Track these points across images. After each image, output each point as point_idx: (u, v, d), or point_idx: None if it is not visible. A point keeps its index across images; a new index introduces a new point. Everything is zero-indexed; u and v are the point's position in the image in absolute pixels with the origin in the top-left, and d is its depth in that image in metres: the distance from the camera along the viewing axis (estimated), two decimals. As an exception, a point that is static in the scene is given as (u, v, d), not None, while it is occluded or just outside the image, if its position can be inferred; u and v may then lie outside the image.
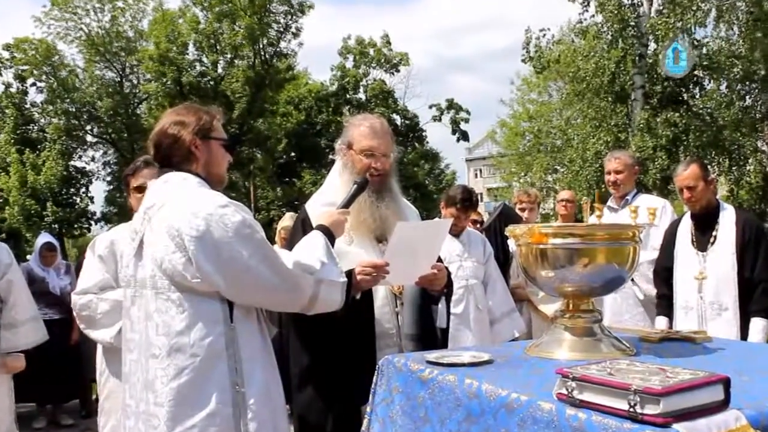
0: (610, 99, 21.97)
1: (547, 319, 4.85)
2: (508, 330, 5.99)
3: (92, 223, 39.59)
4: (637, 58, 20.46)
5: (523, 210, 6.96)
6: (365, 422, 2.73)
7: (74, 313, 4.31)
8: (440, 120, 48.90)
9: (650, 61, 20.10)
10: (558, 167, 30.75)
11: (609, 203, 6.09)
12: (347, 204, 3.25)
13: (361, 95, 46.48)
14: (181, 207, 2.64)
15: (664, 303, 5.27)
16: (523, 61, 24.01)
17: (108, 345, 4.18)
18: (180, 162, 2.84)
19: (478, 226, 7.74)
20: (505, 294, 6.13)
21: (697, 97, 22.27)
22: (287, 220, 7.62)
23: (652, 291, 5.64)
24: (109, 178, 40.66)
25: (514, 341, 5.64)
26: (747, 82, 22.17)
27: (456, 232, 5.87)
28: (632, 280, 5.53)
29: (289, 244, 3.32)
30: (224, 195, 2.75)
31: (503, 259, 6.56)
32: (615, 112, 21.85)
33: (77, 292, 4.26)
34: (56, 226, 35.93)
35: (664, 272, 5.28)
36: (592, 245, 2.66)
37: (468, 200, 5.87)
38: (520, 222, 6.54)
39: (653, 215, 2.99)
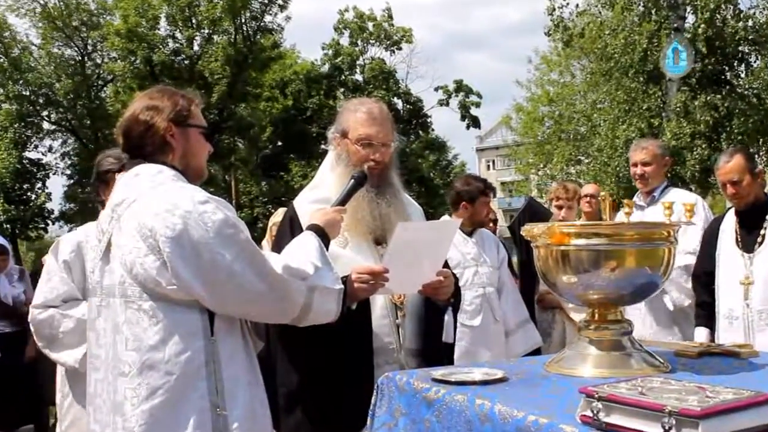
0: (641, 79, 21.96)
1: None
2: (523, 343, 6.01)
3: (49, 222, 39.56)
4: (672, 32, 20.44)
5: (560, 207, 6.88)
6: (364, 448, 2.75)
7: (32, 329, 4.22)
8: (447, 104, 48.92)
9: (688, 35, 20.07)
10: (582, 157, 30.71)
11: (635, 199, 6.08)
12: (343, 201, 3.26)
13: (358, 76, 46.50)
14: (155, 203, 2.64)
15: (704, 312, 5.25)
16: (546, 33, 23.97)
17: (71, 368, 4.14)
18: (153, 152, 2.84)
19: (491, 225, 7.75)
20: (518, 302, 6.16)
21: (743, 76, 22.25)
22: (280, 215, 7.57)
23: (684, 301, 5.63)
24: (68, 172, 40.62)
25: (534, 355, 5.64)
26: (801, 59, 22.12)
27: (470, 229, 5.89)
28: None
29: (277, 246, 3.33)
30: (203, 190, 2.76)
31: (531, 261, 6.57)
32: (647, 94, 21.83)
33: (37, 305, 4.16)
34: (8, 226, 35.90)
35: (704, 277, 5.27)
36: (620, 246, 2.67)
37: (486, 186, 5.96)
38: (549, 219, 6.54)
39: (690, 212, 2.98)
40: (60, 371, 4.38)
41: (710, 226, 5.39)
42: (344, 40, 46.43)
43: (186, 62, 38.80)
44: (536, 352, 5.99)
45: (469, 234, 5.91)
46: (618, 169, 22.22)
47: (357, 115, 3.47)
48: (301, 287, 2.76)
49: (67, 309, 4.11)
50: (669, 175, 6.25)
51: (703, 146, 20.04)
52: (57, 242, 4.39)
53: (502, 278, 6.04)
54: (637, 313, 5.66)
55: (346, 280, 3.04)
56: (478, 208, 5.92)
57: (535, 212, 6.92)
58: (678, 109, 20.29)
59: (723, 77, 21.48)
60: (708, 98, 20.24)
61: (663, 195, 5.86)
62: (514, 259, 7.44)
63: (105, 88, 41.06)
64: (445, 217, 6.20)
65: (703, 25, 19.73)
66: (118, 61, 37.98)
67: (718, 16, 20.19)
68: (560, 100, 35.07)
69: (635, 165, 6.04)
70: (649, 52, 21.16)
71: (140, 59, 36.73)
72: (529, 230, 2.89)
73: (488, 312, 5.78)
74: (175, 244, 2.58)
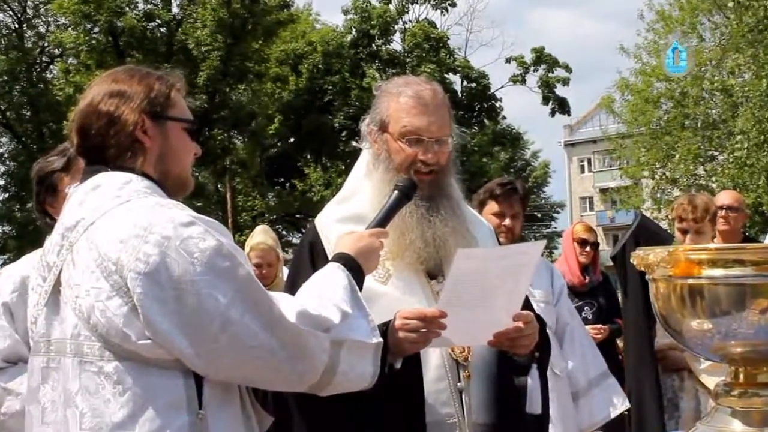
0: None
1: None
2: (602, 408, 6.01)
3: (-23, 253, 40.03)
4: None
5: (684, 232, 6.79)
6: None
7: None
8: (524, 82, 48.98)
9: None
10: (715, 152, 30.48)
11: None
12: (384, 220, 3.27)
13: (396, 45, 46.70)
14: (121, 227, 2.65)
15: None
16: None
17: None
18: (119, 156, 2.86)
19: (588, 249, 7.72)
20: (590, 350, 6.19)
21: None
22: (260, 234, 7.46)
23: None
24: (2, 182, 41.16)
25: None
26: None
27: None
28: None
29: (291, 284, 3.33)
30: (187, 207, 2.77)
31: (647, 303, 6.52)
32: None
33: None
34: (-77, 257, 36.44)
35: None
36: (773, 279, 2.64)
37: (509, 186, 5.92)
38: (669, 243, 6.47)
39: None
40: None
41: None
42: (375, -3, 46.63)
43: (163, 30, 39.22)
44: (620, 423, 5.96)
45: None
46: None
47: (401, 101, 3.49)
48: (323, 342, 2.74)
49: (11, 380, 4.16)
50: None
51: None
52: None
53: (563, 317, 6.05)
54: None
55: (387, 328, 3.04)
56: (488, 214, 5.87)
57: (648, 234, 6.82)
58: None
59: None
60: None
61: None
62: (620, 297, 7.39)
63: (51, 67, 41.59)
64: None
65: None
66: (69, 29, 38.44)
67: None
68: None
69: None
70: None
71: (99, 27, 37.14)
72: (642, 257, 2.86)
73: None
74: (150, 282, 2.58)
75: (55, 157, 4.32)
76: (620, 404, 6.08)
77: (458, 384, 3.39)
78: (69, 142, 3.06)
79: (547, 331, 5.63)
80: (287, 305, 2.74)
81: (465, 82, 47.69)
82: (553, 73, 48.49)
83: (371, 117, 3.57)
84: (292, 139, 45.49)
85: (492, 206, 5.83)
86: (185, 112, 2.99)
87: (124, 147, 2.85)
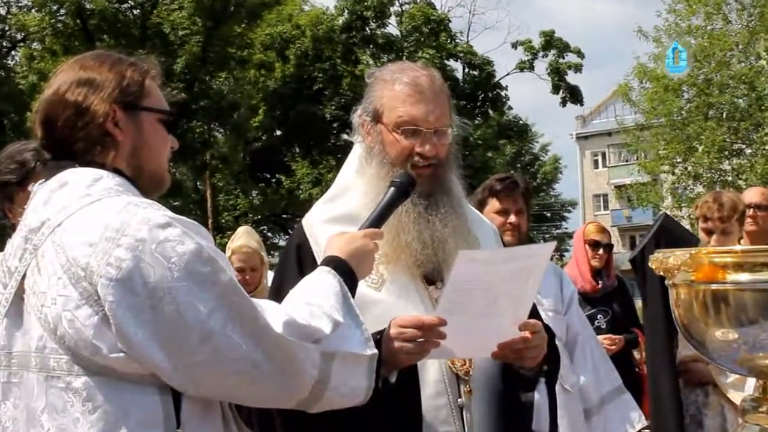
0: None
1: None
2: (617, 423, 6.06)
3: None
4: None
5: (709, 232, 6.80)
6: None
7: None
8: (532, 68, 48.96)
9: None
10: (742, 145, 30.48)
11: None
12: (379, 219, 3.25)
13: (392, 28, 46.66)
14: (91, 228, 2.64)
15: None
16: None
17: None
18: (88, 150, 2.84)
19: (601, 251, 7.72)
20: (604, 363, 6.20)
21: None
22: (243, 236, 7.46)
23: None
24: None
25: None
26: None
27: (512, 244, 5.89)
28: None
29: (276, 291, 3.33)
30: (163, 207, 2.75)
31: (668, 311, 6.53)
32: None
33: None
34: None
35: None
36: (805, 284, 2.64)
37: (509, 180, 5.94)
38: (693, 246, 6.47)
39: None
40: None
41: None
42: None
43: (136, 12, 39.16)
44: None
45: None
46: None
47: (396, 88, 3.49)
48: (312, 354, 2.74)
49: None
50: None
51: None
52: None
53: (574, 327, 6.06)
54: None
55: (381, 338, 3.04)
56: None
57: (671, 236, 6.83)
58: None
59: None
60: None
61: None
62: (638, 304, 7.39)
63: (13, 52, 41.52)
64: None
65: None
66: (33, 11, 38.38)
67: None
68: (707, 59, 34.83)
69: None
70: None
71: (66, 8, 37.09)
72: (661, 260, 2.86)
73: None
74: (123, 289, 2.56)
75: (14, 165, 4.26)
76: (637, 422, 6.08)
77: (459, 400, 3.39)
78: (33, 136, 3.03)
79: (557, 342, 5.67)
80: (273, 314, 2.73)
81: (467, 69, 47.67)
82: (563, 58, 48.50)
83: (363, 107, 3.56)
84: (278, 132, 45.48)
85: (493, 204, 5.83)
86: (161, 102, 2.98)
87: (94, 140, 2.84)
